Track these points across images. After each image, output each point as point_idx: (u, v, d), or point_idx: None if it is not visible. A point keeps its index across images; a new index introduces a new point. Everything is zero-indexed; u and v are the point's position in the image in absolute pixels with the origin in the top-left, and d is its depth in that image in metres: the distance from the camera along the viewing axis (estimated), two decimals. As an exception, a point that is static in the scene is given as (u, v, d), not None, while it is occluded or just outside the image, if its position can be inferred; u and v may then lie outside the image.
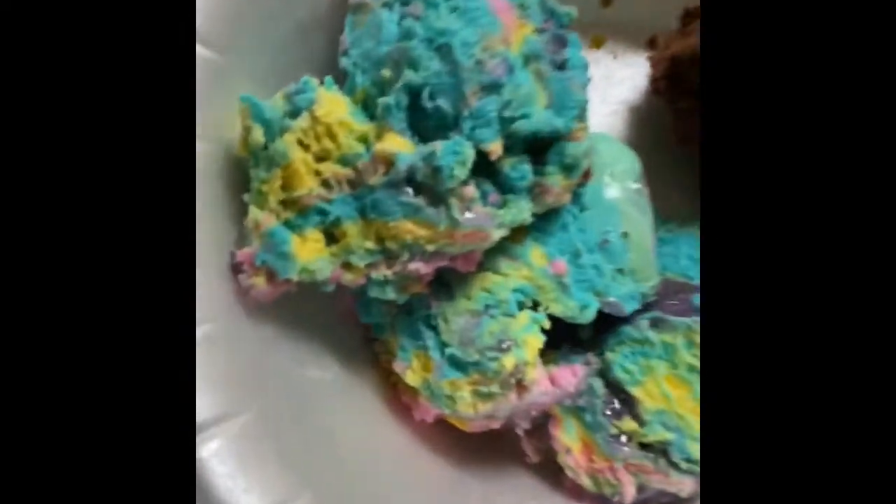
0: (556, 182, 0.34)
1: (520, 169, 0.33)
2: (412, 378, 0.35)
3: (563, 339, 0.38)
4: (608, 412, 0.36)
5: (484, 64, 0.31)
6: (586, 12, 0.43)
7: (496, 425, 0.36)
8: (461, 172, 0.30)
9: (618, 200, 0.37)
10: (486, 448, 0.38)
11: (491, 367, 0.33)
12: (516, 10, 0.33)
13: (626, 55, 0.43)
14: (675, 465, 0.35)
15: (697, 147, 0.41)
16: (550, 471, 0.38)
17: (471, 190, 0.31)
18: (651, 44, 0.43)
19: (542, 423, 0.38)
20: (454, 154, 0.30)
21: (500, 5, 0.33)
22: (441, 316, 0.34)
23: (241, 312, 0.32)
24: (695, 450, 0.35)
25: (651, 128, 0.43)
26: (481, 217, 0.32)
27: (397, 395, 0.37)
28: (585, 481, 0.36)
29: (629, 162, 0.38)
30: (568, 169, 0.34)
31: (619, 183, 0.37)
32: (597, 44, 0.44)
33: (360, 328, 0.37)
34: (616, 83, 0.43)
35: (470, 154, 0.30)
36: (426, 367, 0.34)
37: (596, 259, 0.36)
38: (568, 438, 0.37)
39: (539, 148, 0.34)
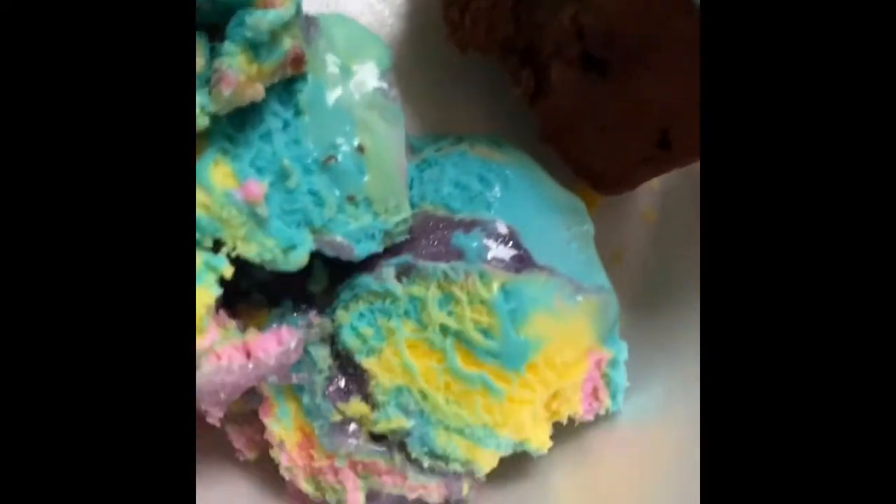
0: (237, 66, 0.24)
1: None
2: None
3: (286, 295, 0.28)
4: (332, 391, 0.27)
5: None
6: None
7: (174, 414, 0.26)
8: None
9: (353, 103, 0.27)
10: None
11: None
12: None
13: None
14: (414, 463, 0.26)
15: (477, 43, 0.31)
16: (273, 473, 0.29)
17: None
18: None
19: (254, 409, 0.28)
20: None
21: None
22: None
23: None
24: (441, 441, 0.26)
25: (427, 17, 0.32)
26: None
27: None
28: (305, 486, 0.27)
29: (375, 53, 0.28)
30: (255, 47, 0.24)
31: (357, 78, 0.27)
32: None
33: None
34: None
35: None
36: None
37: (314, 182, 0.26)
38: (281, 428, 0.27)
39: (218, 18, 0.24)
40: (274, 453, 0.27)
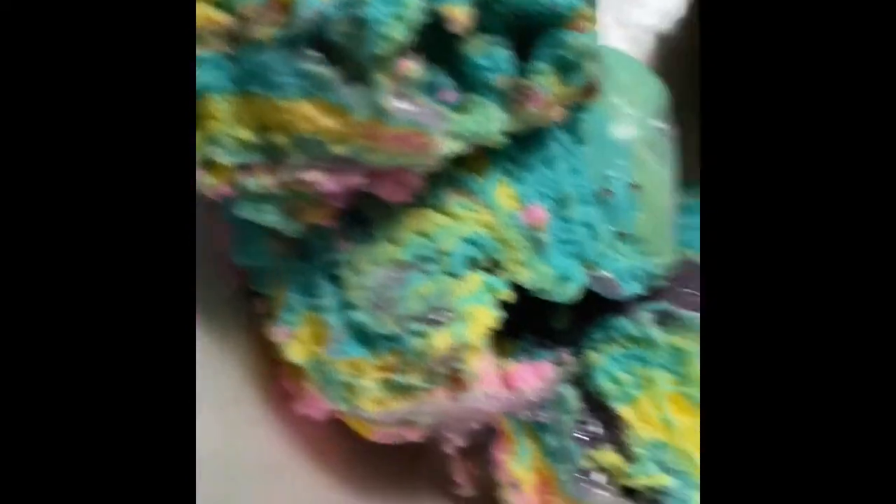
0: (547, 85, 0.23)
1: (495, 56, 0.22)
2: (296, 352, 0.23)
3: (526, 326, 0.27)
4: (581, 436, 0.25)
5: None
6: None
7: (414, 436, 0.25)
8: (399, 33, 0.19)
9: (631, 139, 0.26)
10: (398, 469, 0.27)
11: (414, 346, 0.22)
12: None
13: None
14: (673, 525, 0.24)
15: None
16: (489, 510, 0.27)
17: (411, 66, 0.20)
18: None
19: (482, 442, 0.26)
20: (392, 3, 0.19)
21: None
22: (350, 265, 0.23)
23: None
24: (704, 506, 0.24)
25: (680, 63, 0.32)
26: (424, 112, 0.21)
27: (276, 378, 0.26)
28: (537, 534, 0.25)
29: (652, 91, 0.28)
30: (565, 68, 0.23)
31: (636, 116, 0.27)
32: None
33: (234, 274, 0.26)
34: (638, 4, 0.32)
35: (416, 7, 0.19)
36: (318, 338, 0.23)
37: (590, 213, 0.25)
38: (518, 468, 0.26)
39: (526, 33, 0.23)
40: (505, 493, 0.26)
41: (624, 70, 0.27)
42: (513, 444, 0.26)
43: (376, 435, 0.25)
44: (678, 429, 0.24)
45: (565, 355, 0.26)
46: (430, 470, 0.28)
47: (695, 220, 0.28)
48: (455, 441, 0.25)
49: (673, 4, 0.33)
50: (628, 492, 0.25)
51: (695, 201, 0.28)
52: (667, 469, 0.24)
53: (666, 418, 0.24)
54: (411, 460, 0.28)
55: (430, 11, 0.21)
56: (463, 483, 0.27)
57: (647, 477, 0.24)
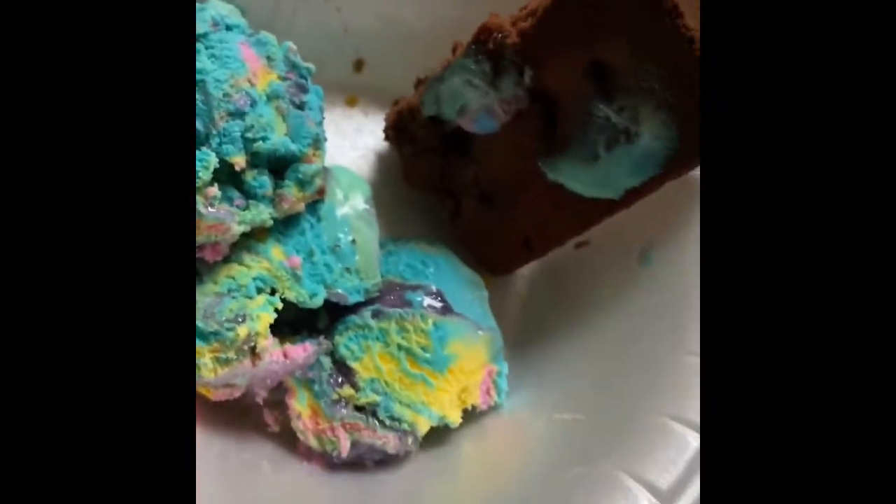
0: (292, 193, 0.43)
1: (260, 180, 0.42)
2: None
3: (304, 329, 0.46)
4: (332, 382, 0.44)
5: (230, 96, 0.40)
6: (344, 76, 0.55)
7: (238, 394, 0.43)
8: (205, 175, 0.39)
9: (349, 216, 0.46)
10: (234, 419, 0.45)
11: (228, 336, 0.40)
12: (263, 60, 0.43)
13: (375, 113, 0.55)
14: (381, 423, 0.44)
15: (420, 185, 0.52)
16: (289, 440, 0.46)
17: (213, 190, 0.39)
18: (395, 105, 0.54)
19: (281, 398, 0.45)
20: (200, 161, 0.39)
21: (249, 55, 0.42)
22: (191, 296, 0.41)
23: None
24: (397, 410, 0.44)
25: (389, 169, 0.53)
26: (222, 213, 0.40)
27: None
28: (312, 442, 0.44)
29: (361, 188, 0.48)
30: (302, 184, 0.43)
31: (352, 203, 0.47)
32: (351, 103, 0.55)
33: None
34: (365, 133, 0.54)
35: (213, 162, 0.39)
36: (176, 339, 0.41)
37: (328, 259, 0.45)
38: (299, 405, 0.44)
39: (281, 166, 0.43)
40: (293, 423, 0.44)
41: (344, 177, 0.48)
42: (295, 392, 0.44)
43: (215, 395, 0.43)
44: (384, 370, 0.44)
45: (322, 339, 0.45)
46: (253, 418, 0.46)
47: (392, 259, 0.48)
48: (261, 393, 0.44)
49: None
50: (358, 408, 0.44)
51: (392, 248, 0.49)
52: (377, 392, 0.44)
53: (377, 366, 0.44)
54: (243, 415, 0.46)
55: (224, 160, 0.40)
56: (271, 423, 0.46)
57: (367, 398, 0.44)
